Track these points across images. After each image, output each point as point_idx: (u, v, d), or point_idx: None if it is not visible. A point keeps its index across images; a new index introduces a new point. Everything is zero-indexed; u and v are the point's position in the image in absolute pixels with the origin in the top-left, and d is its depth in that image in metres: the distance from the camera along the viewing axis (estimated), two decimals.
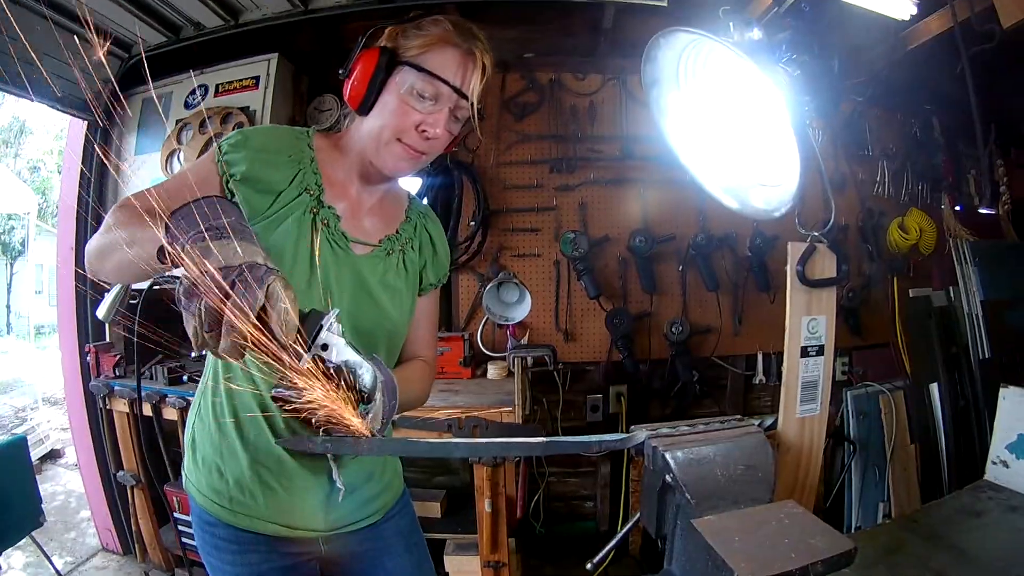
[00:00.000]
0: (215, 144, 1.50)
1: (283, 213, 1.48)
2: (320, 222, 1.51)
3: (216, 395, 1.58)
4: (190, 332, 1.00)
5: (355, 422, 1.18)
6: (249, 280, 0.98)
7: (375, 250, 1.61)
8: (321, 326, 1.09)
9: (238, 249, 1.03)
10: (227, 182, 1.45)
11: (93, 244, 1.34)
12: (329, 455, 1.56)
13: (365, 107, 1.49)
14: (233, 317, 0.96)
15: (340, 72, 1.52)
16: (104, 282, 1.42)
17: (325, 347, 1.10)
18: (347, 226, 1.57)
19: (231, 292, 0.96)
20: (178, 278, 1.05)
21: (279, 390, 1.12)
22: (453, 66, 1.48)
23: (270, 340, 1.01)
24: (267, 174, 1.47)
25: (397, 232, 1.68)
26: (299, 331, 1.06)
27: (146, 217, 1.12)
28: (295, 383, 1.09)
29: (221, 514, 1.57)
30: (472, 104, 1.52)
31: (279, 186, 1.48)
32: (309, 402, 1.12)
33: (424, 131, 1.48)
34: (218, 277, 0.97)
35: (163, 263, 1.11)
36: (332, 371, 1.13)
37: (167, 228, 1.07)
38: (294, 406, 1.13)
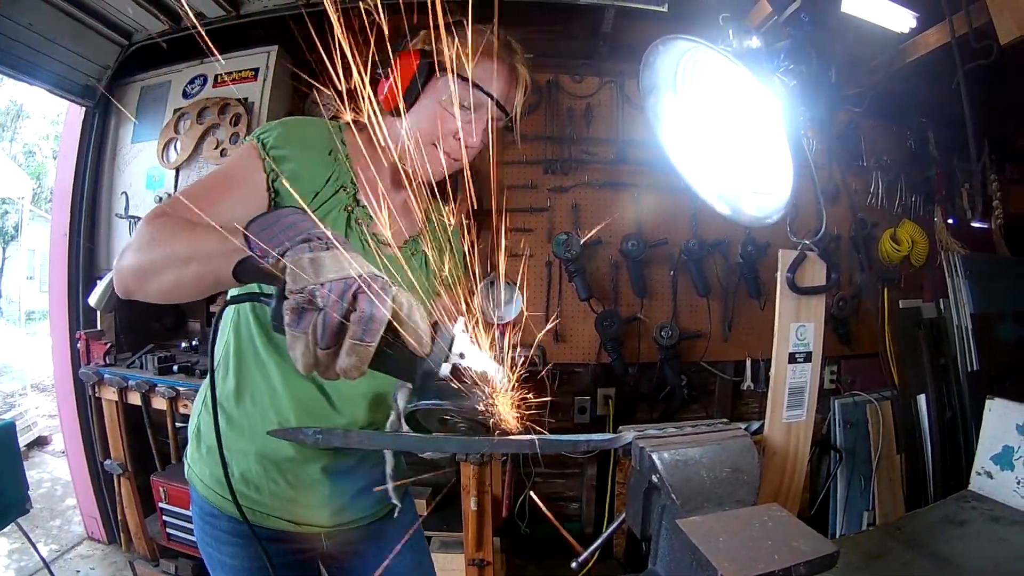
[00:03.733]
0: (253, 139, 1.45)
1: (320, 212, 1.44)
2: (354, 221, 1.50)
3: (225, 388, 1.57)
4: (298, 353, 0.92)
5: (514, 424, 1.10)
6: (374, 291, 0.92)
7: (400, 251, 1.59)
8: (454, 335, 1.04)
9: (350, 259, 0.94)
10: (273, 180, 1.41)
11: (131, 262, 1.21)
12: (387, 453, 1.57)
13: (400, 110, 1.47)
14: (359, 332, 0.90)
15: (377, 72, 1.49)
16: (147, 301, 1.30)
17: (462, 355, 1.05)
18: (375, 226, 1.55)
19: (354, 306, 0.91)
20: (261, 294, 1.02)
21: (424, 403, 1.06)
22: (499, 80, 1.49)
23: (397, 355, 0.97)
24: (311, 170, 1.45)
25: (421, 233, 1.67)
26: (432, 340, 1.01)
27: (216, 230, 1.04)
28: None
29: (224, 506, 1.58)
30: (516, 119, 1.53)
31: (318, 184, 1.46)
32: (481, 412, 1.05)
33: (459, 139, 1.48)
34: (337, 290, 0.90)
35: (239, 279, 1.03)
36: (469, 378, 1.05)
37: (248, 239, 1.00)
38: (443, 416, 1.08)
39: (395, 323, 0.95)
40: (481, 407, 1.04)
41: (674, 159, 1.86)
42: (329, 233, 0.99)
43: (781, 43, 1.74)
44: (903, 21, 3.04)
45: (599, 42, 3.89)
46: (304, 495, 1.58)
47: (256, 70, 3.69)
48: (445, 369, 1.02)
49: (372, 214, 1.53)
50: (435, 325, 1.04)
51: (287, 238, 0.98)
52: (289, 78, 3.81)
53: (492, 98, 1.48)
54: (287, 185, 1.36)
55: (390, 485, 1.60)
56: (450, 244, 1.75)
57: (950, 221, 4.62)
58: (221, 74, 3.76)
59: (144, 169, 3.90)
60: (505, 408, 1.07)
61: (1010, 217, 4.61)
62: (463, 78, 1.45)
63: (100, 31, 3.59)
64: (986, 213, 4.61)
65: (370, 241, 1.52)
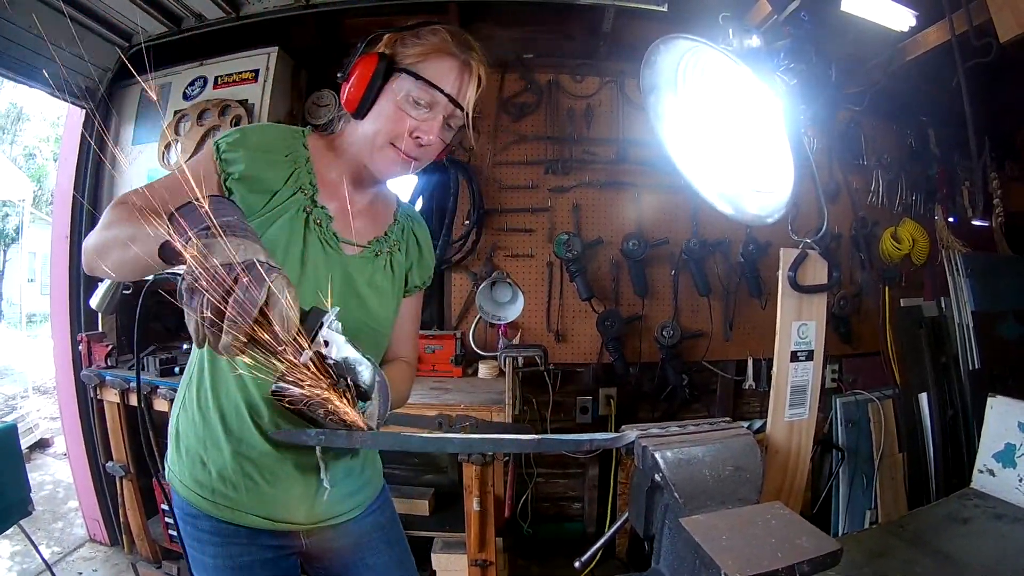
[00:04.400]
0: (212, 142, 1.51)
1: (277, 211, 1.49)
2: (313, 221, 1.53)
3: (201, 386, 1.59)
4: (191, 328, 1.01)
5: (355, 417, 1.18)
6: (251, 277, 0.99)
7: (364, 251, 1.63)
8: (322, 323, 1.11)
9: (240, 246, 1.03)
10: (225, 180, 1.47)
11: (92, 240, 1.34)
12: (318, 452, 1.57)
13: (361, 111, 1.51)
14: (235, 314, 0.97)
15: (338, 75, 1.54)
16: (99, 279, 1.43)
17: (326, 344, 1.11)
18: (338, 226, 1.58)
19: (233, 289, 0.97)
20: (179, 275, 1.05)
21: (279, 386, 1.11)
22: (450, 76, 1.50)
23: (271, 337, 1.02)
24: (264, 173, 1.49)
25: (385, 234, 1.70)
26: (299, 328, 1.07)
27: (147, 214, 1.11)
28: (296, 380, 1.10)
29: (203, 506, 1.58)
30: (467, 114, 1.55)
31: (275, 185, 1.50)
32: (309, 397, 1.12)
33: (418, 137, 1.50)
34: (221, 273, 0.98)
35: (165, 260, 1.11)
36: (332, 368, 1.14)
37: (170, 224, 1.07)
38: (290, 401, 1.12)
39: (265, 307, 1.00)
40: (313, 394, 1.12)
41: (675, 158, 1.86)
42: (237, 222, 1.09)
43: (781, 42, 1.74)
44: (903, 19, 3.04)
45: (599, 42, 3.89)
46: (280, 492, 1.59)
47: (256, 72, 3.69)
48: (306, 355, 1.08)
49: (331, 215, 1.57)
50: (309, 313, 1.11)
51: (194, 224, 1.05)
52: (289, 79, 3.81)
53: (443, 92, 1.50)
54: (233, 186, 1.46)
55: (321, 466, 1.61)
56: (416, 238, 1.80)
57: (951, 219, 4.62)
58: (221, 76, 3.76)
59: (144, 171, 3.89)
60: (338, 401, 1.15)
61: (1011, 215, 4.61)
62: (415, 76, 1.47)
63: (100, 33, 3.58)
64: (987, 211, 4.61)
65: (329, 241, 1.56)
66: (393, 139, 1.50)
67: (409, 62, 1.49)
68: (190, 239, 1.03)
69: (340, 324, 1.15)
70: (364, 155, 1.55)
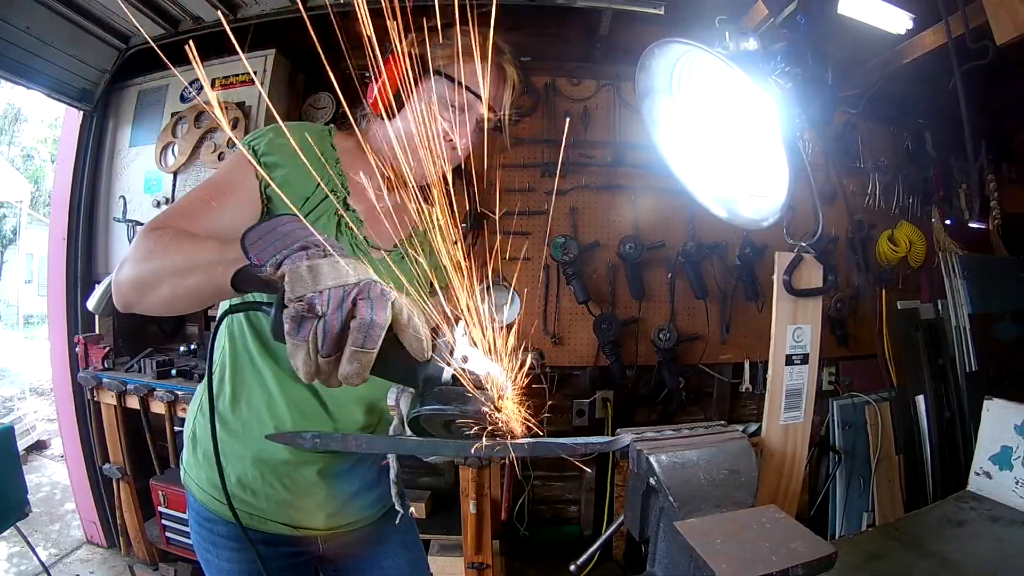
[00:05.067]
0: (243, 145, 1.46)
1: (312, 216, 1.46)
2: (345, 225, 1.51)
3: (220, 391, 1.58)
4: (300, 361, 0.91)
5: (520, 427, 1.10)
6: (373, 297, 0.91)
7: (391, 254, 1.60)
8: (455, 338, 1.04)
9: (348, 267, 0.94)
10: (266, 187, 1.42)
11: (129, 275, 1.23)
12: (392, 476, 1.57)
13: (391, 112, 1.48)
14: (361, 339, 0.90)
15: (366, 75, 1.47)
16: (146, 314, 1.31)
17: (465, 359, 1.04)
18: (367, 229, 1.56)
19: (354, 313, 0.90)
20: (262, 303, 1.01)
21: (427, 407, 1.03)
22: (486, 79, 1.49)
23: (404, 358, 0.97)
24: (302, 176, 1.43)
25: (410, 236, 1.67)
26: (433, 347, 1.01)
27: (202, 239, 1.06)
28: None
29: (221, 511, 1.58)
30: (505, 118, 1.53)
31: (310, 188, 1.47)
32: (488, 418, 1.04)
33: (451, 140, 1.49)
34: (336, 298, 0.90)
35: (238, 289, 1.04)
36: (474, 383, 1.04)
37: (244, 248, 0.99)
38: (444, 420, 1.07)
39: (395, 329, 0.94)
40: (486, 410, 1.04)
41: (671, 162, 1.86)
42: (325, 240, 0.98)
43: (778, 45, 1.74)
44: (900, 22, 3.05)
45: (596, 45, 3.90)
46: (300, 499, 1.59)
47: (253, 74, 3.69)
48: (447, 374, 1.02)
49: (362, 218, 1.55)
50: (435, 330, 1.04)
51: (284, 246, 0.97)
52: (287, 81, 3.81)
53: (480, 98, 1.49)
54: (279, 191, 1.36)
55: (394, 491, 1.60)
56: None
57: (948, 222, 4.63)
58: (219, 78, 3.75)
59: (142, 173, 3.90)
60: (510, 411, 1.07)
61: (1008, 217, 4.61)
62: (450, 79, 1.47)
63: (98, 35, 3.59)
64: (984, 213, 4.62)
65: (360, 245, 1.53)
66: (425, 141, 1.47)
67: (441, 63, 1.48)
68: (281, 264, 0.94)
69: (468, 338, 1.06)
70: (394, 157, 1.50)
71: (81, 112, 3.95)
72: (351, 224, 1.52)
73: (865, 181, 4.45)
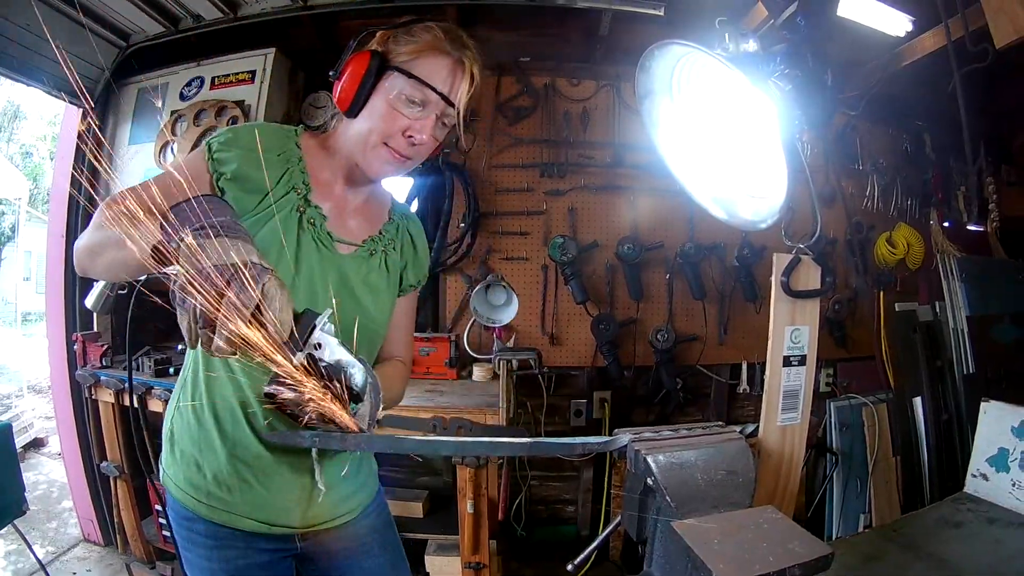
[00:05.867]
0: (205, 142, 1.52)
1: (270, 211, 1.49)
2: (307, 221, 1.53)
3: (195, 388, 1.58)
4: (184, 329, 1.02)
5: (347, 419, 1.18)
6: (245, 278, 0.99)
7: (358, 250, 1.63)
8: (314, 325, 1.11)
9: (233, 247, 1.03)
10: (217, 180, 1.47)
11: (83, 241, 1.36)
12: (313, 454, 1.57)
13: (354, 110, 1.51)
14: (228, 315, 0.98)
15: (330, 74, 1.53)
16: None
17: (319, 346, 1.11)
18: (332, 226, 1.58)
19: (226, 290, 0.98)
20: (172, 276, 1.06)
21: (272, 387, 1.12)
22: (443, 74, 1.50)
23: (264, 338, 1.03)
24: (256, 173, 1.47)
25: (380, 233, 1.70)
26: (293, 330, 1.07)
27: (139, 214, 1.12)
28: (287, 380, 1.10)
29: (198, 508, 1.57)
30: (459, 112, 1.54)
31: (267, 185, 1.48)
32: (301, 400, 1.12)
33: (411, 136, 1.50)
34: (214, 274, 0.99)
35: (158, 262, 1.10)
36: (324, 370, 1.14)
37: (162, 225, 1.08)
38: (283, 403, 1.12)
39: (258, 309, 1.01)
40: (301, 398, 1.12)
41: (670, 163, 1.87)
42: (229, 222, 1.10)
43: (778, 47, 1.74)
44: (899, 24, 3.05)
45: (596, 45, 3.90)
46: (275, 495, 1.58)
47: (253, 72, 3.69)
48: (299, 357, 1.09)
49: (326, 214, 1.57)
50: (302, 315, 1.11)
51: (187, 223, 1.06)
52: (287, 80, 3.81)
53: (436, 91, 1.49)
54: (225, 185, 1.47)
55: (316, 470, 1.60)
56: (411, 237, 1.79)
57: (946, 224, 4.63)
58: (218, 76, 3.75)
59: (141, 171, 3.89)
60: (330, 403, 1.15)
61: (1006, 219, 4.62)
62: (407, 74, 1.47)
63: (98, 32, 3.58)
64: (982, 216, 4.63)
65: (323, 241, 1.55)
66: (386, 138, 1.50)
67: (402, 60, 1.49)
68: (182, 239, 1.03)
69: (332, 326, 1.14)
70: (357, 154, 1.55)
71: (80, 109, 3.94)
72: (314, 220, 1.54)
73: (864, 183, 4.46)
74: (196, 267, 1.00)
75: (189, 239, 1.03)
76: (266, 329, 1.02)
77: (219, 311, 0.99)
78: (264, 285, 1.01)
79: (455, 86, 1.52)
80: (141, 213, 1.12)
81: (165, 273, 1.10)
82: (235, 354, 1.02)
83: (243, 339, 1.01)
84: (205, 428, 1.56)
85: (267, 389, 1.12)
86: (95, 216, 1.34)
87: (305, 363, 1.10)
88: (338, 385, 1.16)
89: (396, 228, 1.74)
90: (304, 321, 1.10)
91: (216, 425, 1.55)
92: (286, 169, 1.54)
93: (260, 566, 1.64)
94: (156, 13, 3.52)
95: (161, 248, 1.08)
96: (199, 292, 0.98)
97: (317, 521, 1.68)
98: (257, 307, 1.01)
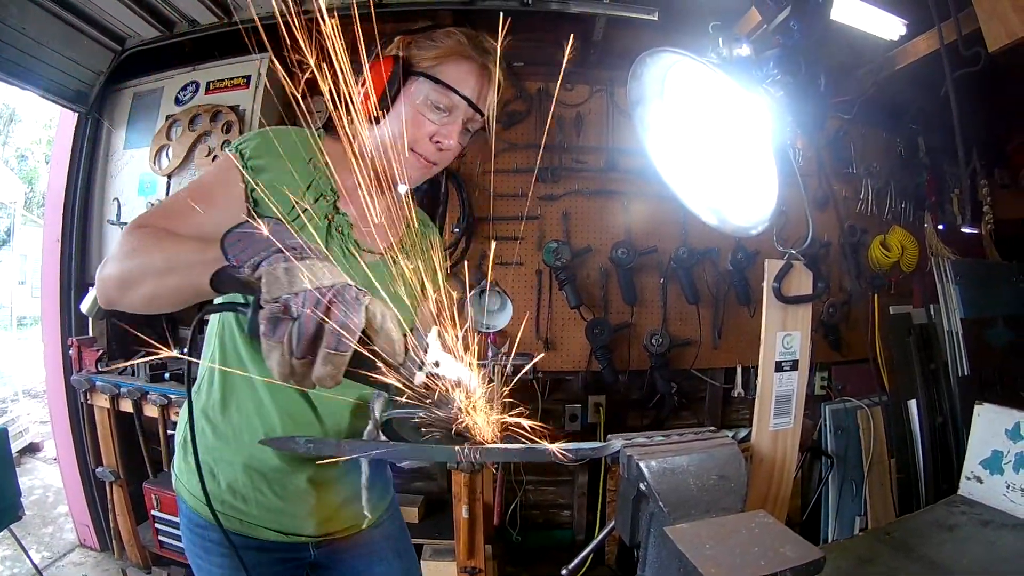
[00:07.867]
0: (232, 148, 1.47)
1: (301, 220, 1.44)
2: (335, 229, 1.51)
3: (209, 397, 1.57)
4: (274, 362, 0.94)
5: (489, 432, 1.13)
6: (348, 301, 0.93)
7: (382, 258, 1.60)
8: (427, 343, 1.07)
9: (323, 269, 0.95)
10: (252, 191, 1.41)
11: (112, 272, 1.23)
12: (363, 480, 1.57)
13: (377, 116, 1.49)
14: (335, 342, 0.91)
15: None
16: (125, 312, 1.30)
17: (437, 364, 1.07)
18: (357, 233, 1.56)
19: (328, 316, 0.92)
20: (239, 305, 1.03)
21: (398, 411, 1.09)
22: (470, 79, 1.50)
23: (375, 361, 0.97)
24: (290, 180, 1.44)
25: (401, 240, 1.67)
26: (409, 349, 1.03)
27: (184, 239, 1.07)
28: (420, 400, 1.06)
29: (212, 517, 1.57)
30: (489, 118, 1.54)
31: (298, 192, 1.46)
32: (449, 416, 1.08)
33: (438, 142, 1.50)
34: (311, 300, 0.91)
35: (217, 289, 1.05)
36: (446, 386, 1.07)
37: (225, 251, 1.02)
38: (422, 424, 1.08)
39: (368, 332, 0.96)
40: (455, 415, 1.07)
41: (662, 170, 1.87)
42: (305, 243, 1.01)
43: (771, 51, 1.75)
44: (893, 28, 3.05)
45: (590, 50, 3.90)
46: (291, 505, 1.58)
47: (248, 77, 3.69)
48: (419, 378, 1.04)
49: (352, 222, 1.55)
50: (409, 333, 1.05)
51: (262, 248, 0.98)
52: (281, 85, 3.81)
53: (464, 97, 1.50)
54: (266, 195, 1.35)
55: (364, 495, 1.60)
56: (431, 243, 1.77)
57: (940, 227, 4.64)
58: (213, 81, 3.75)
59: (136, 175, 3.89)
60: (480, 416, 1.10)
61: (1000, 222, 4.64)
62: (434, 80, 1.47)
63: (93, 36, 3.58)
64: (976, 218, 4.64)
65: (352, 249, 1.53)
66: (413, 144, 1.50)
67: (426, 65, 1.49)
68: (259, 264, 0.97)
69: (441, 343, 1.10)
70: (383, 160, 1.51)
71: (76, 114, 3.94)
72: (341, 227, 1.52)
73: (858, 186, 4.47)
74: (286, 293, 0.92)
75: (278, 264, 0.95)
76: (376, 352, 0.97)
77: (322, 338, 0.92)
78: (367, 306, 0.95)
79: (482, 91, 1.52)
80: (186, 238, 1.09)
81: (232, 304, 1.07)
82: (339, 383, 0.96)
83: (353, 365, 0.96)
84: (221, 437, 1.56)
85: (390, 414, 1.10)
86: (121, 242, 1.24)
87: (426, 382, 1.05)
88: (463, 398, 1.10)
89: (419, 236, 1.73)
90: (418, 339, 1.05)
91: (233, 436, 1.55)
92: (314, 176, 1.51)
93: (273, 574, 1.65)
94: (151, 17, 3.52)
95: (226, 274, 1.02)
96: (296, 319, 0.91)
97: (331, 530, 1.68)
98: (363, 331, 0.95)
